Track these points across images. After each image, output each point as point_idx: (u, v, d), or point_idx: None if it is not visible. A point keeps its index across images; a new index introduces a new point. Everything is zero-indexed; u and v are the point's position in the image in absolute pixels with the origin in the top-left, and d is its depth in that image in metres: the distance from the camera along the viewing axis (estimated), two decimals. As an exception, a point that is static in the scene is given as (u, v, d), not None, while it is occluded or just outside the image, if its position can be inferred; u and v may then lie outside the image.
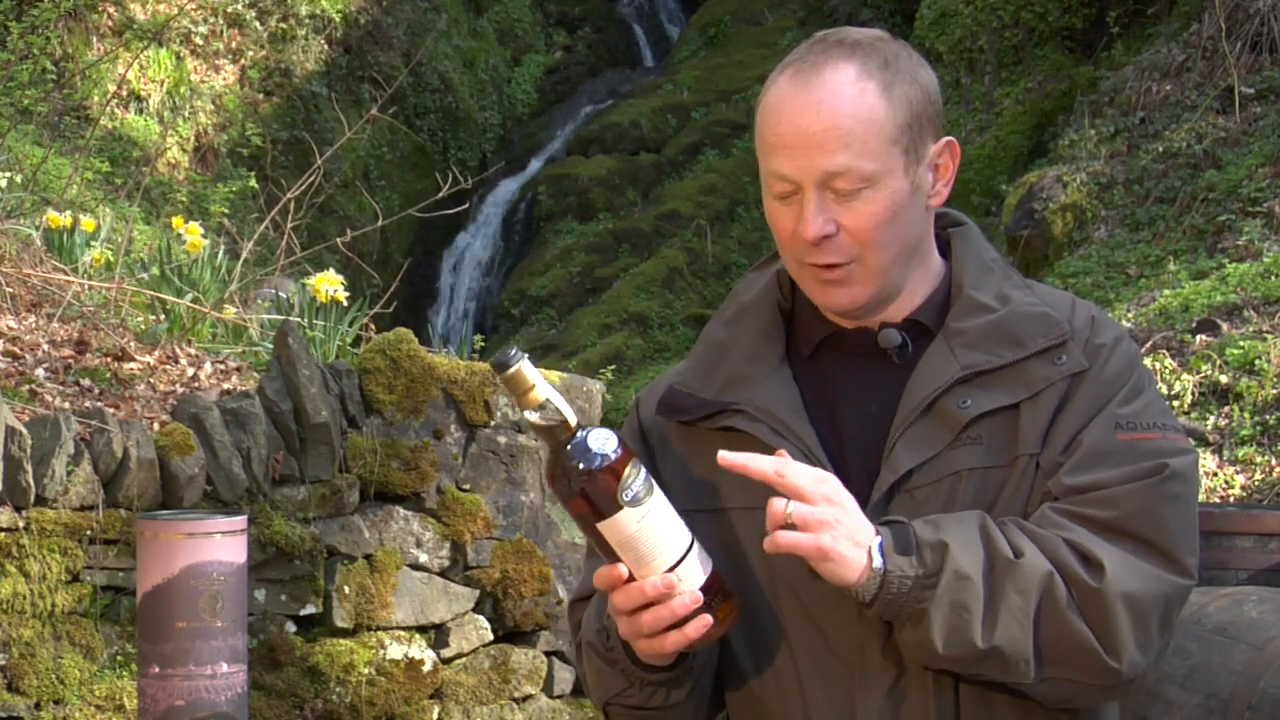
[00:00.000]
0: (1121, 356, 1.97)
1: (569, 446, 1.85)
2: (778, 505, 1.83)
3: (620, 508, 1.82)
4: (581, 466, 1.83)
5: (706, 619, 1.85)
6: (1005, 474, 1.93)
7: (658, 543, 1.84)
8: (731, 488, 1.99)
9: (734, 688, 2.05)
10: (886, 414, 1.97)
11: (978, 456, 1.93)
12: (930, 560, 1.86)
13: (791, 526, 1.83)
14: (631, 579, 1.85)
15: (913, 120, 1.94)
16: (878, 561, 1.85)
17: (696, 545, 1.86)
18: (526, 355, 1.86)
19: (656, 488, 1.85)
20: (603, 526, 1.84)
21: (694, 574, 1.85)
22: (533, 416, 1.87)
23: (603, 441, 1.84)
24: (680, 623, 1.85)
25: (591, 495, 1.83)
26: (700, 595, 1.85)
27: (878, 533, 1.87)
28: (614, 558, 1.85)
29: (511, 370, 1.84)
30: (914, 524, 1.88)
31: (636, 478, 1.84)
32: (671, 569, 1.84)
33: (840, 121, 1.91)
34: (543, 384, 1.85)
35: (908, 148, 1.94)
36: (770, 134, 1.95)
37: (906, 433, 1.94)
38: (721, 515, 1.98)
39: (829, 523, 1.83)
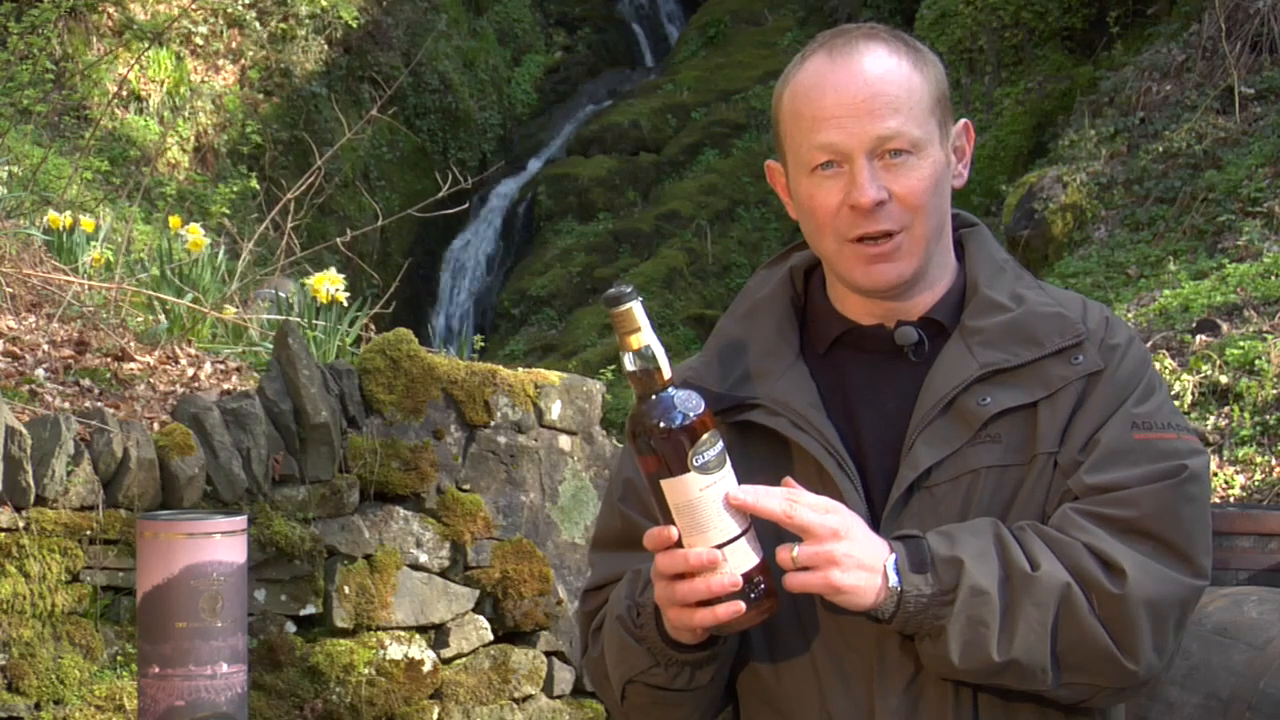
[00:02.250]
0: (1134, 357, 2.00)
1: (654, 399, 1.86)
2: (784, 554, 1.85)
3: (687, 470, 1.84)
4: (661, 424, 1.84)
5: (739, 605, 1.86)
6: (1023, 472, 1.95)
7: (714, 516, 1.85)
8: (746, 481, 2.00)
9: (748, 680, 2.06)
10: (904, 411, 1.98)
11: (996, 454, 1.95)
12: (945, 577, 1.87)
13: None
14: (679, 545, 1.86)
15: (941, 98, 1.99)
16: (893, 580, 1.87)
17: (752, 533, 1.87)
18: (641, 298, 1.86)
19: (729, 465, 1.86)
20: (666, 484, 1.85)
21: (741, 558, 1.86)
22: (630, 363, 1.87)
23: (688, 403, 1.85)
24: (713, 601, 1.86)
25: (662, 452, 1.84)
26: (740, 580, 1.85)
27: (891, 549, 1.88)
28: (668, 519, 1.87)
29: (624, 307, 1.85)
30: (928, 538, 1.89)
31: (712, 447, 1.85)
32: (720, 546, 1.85)
33: (887, 88, 1.94)
34: (648, 329, 1.86)
35: (941, 121, 1.99)
36: (813, 109, 1.96)
37: (926, 430, 1.95)
38: None
39: (835, 559, 1.85)
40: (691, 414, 1.85)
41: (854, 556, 1.85)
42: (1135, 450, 1.93)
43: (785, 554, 1.85)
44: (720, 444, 1.86)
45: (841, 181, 1.95)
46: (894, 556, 1.88)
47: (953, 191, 2.04)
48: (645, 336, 1.85)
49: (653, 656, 1.99)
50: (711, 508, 1.85)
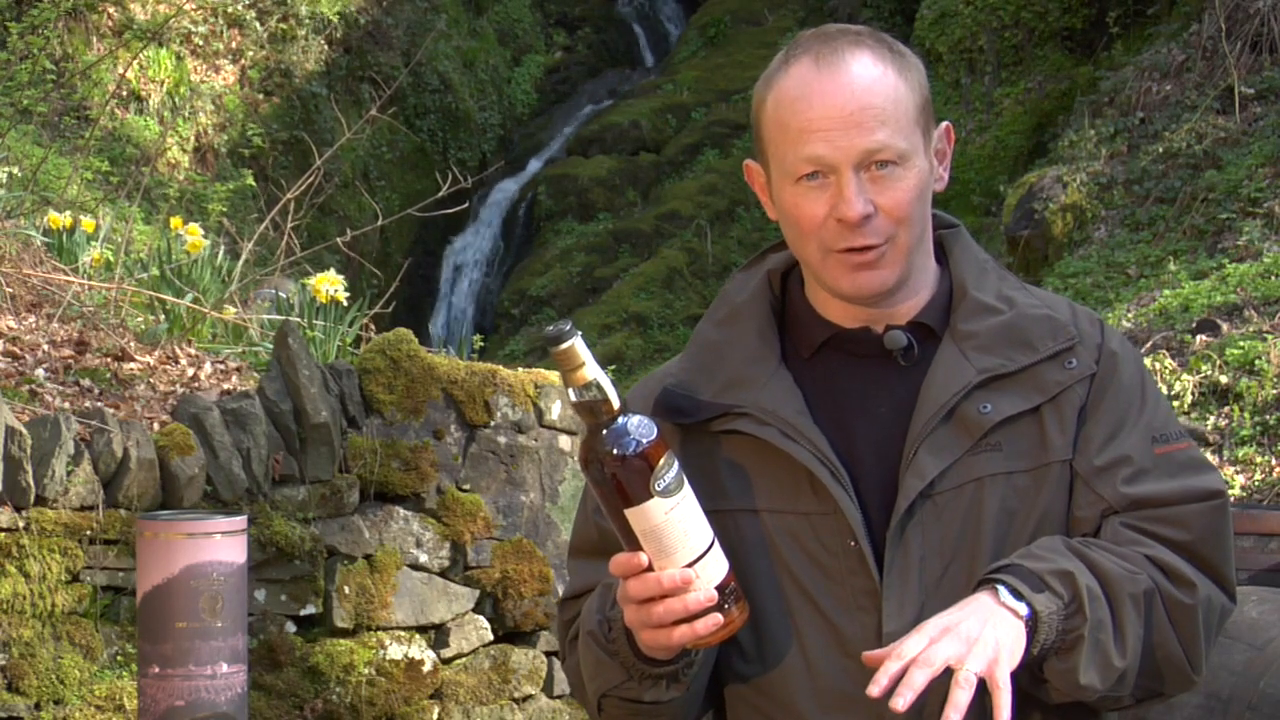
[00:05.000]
0: (1132, 361, 2.01)
1: (607, 430, 1.83)
2: (963, 694, 1.78)
3: (650, 496, 1.82)
4: (615, 451, 1.82)
5: (717, 618, 1.85)
6: (1028, 479, 1.94)
7: (681, 537, 1.83)
8: (734, 489, 1.99)
9: (743, 693, 2.04)
10: (897, 416, 1.97)
11: (998, 462, 1.94)
12: (1063, 589, 1.86)
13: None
14: (649, 569, 1.85)
15: (924, 103, 1.97)
16: (1024, 611, 1.85)
17: (716, 545, 1.86)
18: (580, 333, 1.84)
19: (687, 483, 1.85)
20: (630, 513, 1.83)
21: (712, 572, 1.85)
22: (576, 396, 1.85)
23: (641, 428, 1.83)
24: (690, 618, 1.85)
25: (623, 480, 1.82)
26: (715, 594, 1.85)
27: (992, 588, 1.86)
28: (635, 546, 1.85)
29: (564, 346, 1.83)
30: (1021, 562, 1.88)
31: (670, 469, 1.83)
32: (691, 564, 1.84)
33: (874, 100, 1.92)
34: (592, 363, 1.84)
35: (925, 129, 1.97)
36: (799, 120, 1.93)
37: (929, 438, 1.94)
38: (724, 517, 1.97)
39: (988, 647, 1.81)
40: (645, 440, 1.83)
41: (984, 628, 1.82)
42: (1160, 464, 1.96)
43: (965, 693, 1.78)
44: (677, 464, 1.84)
45: (827, 193, 1.93)
46: (1003, 589, 1.85)
47: (934, 195, 2.03)
48: (590, 371, 1.83)
49: (626, 671, 1.97)
50: (678, 529, 1.83)
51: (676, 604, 1.84)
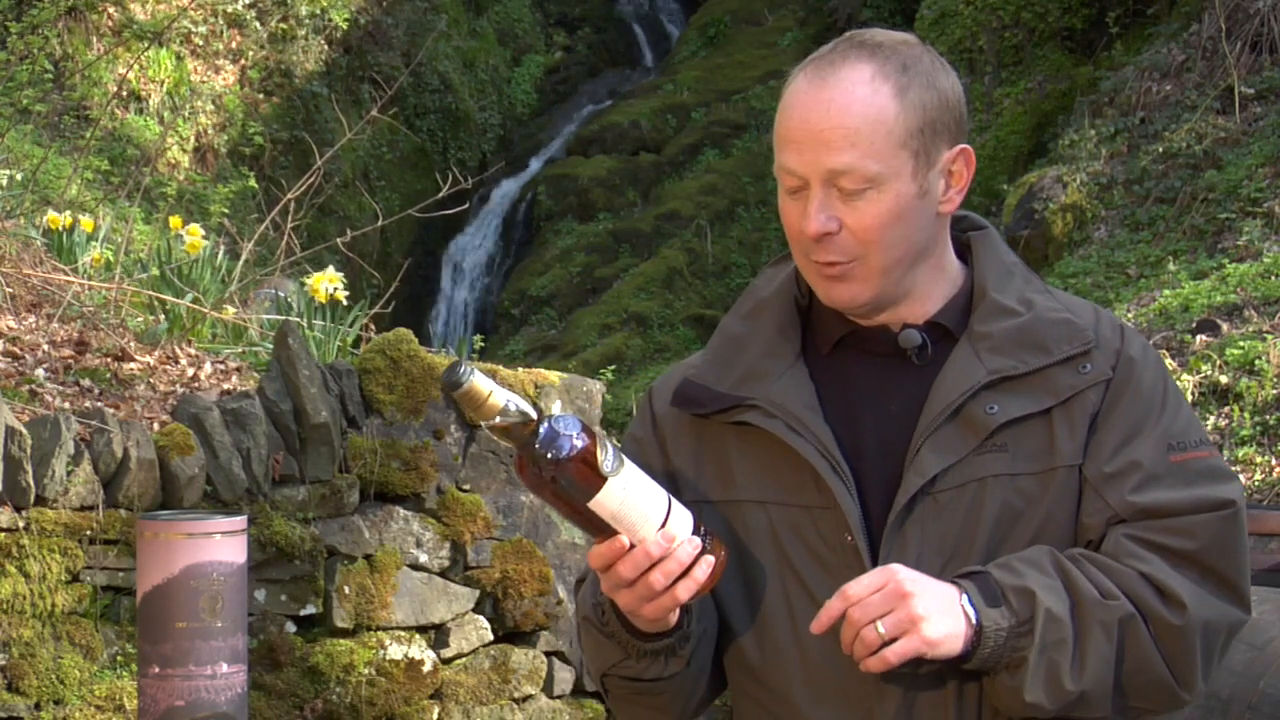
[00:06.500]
0: (1153, 367, 1.99)
1: (537, 442, 1.84)
2: (870, 634, 1.84)
3: (605, 480, 1.84)
4: (551, 455, 1.83)
5: (709, 559, 1.89)
6: (1034, 482, 1.94)
7: (645, 505, 1.87)
8: (744, 481, 2.01)
9: (742, 682, 2.06)
10: (907, 415, 1.97)
11: (1003, 463, 1.94)
12: (1020, 608, 1.87)
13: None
14: (632, 547, 1.87)
15: (925, 125, 1.94)
16: (973, 618, 1.87)
17: (672, 498, 1.90)
18: (474, 368, 1.84)
19: (624, 454, 1.88)
20: (594, 505, 1.85)
21: (683, 524, 1.89)
22: (492, 425, 1.85)
23: (568, 425, 1.85)
24: (685, 572, 1.88)
25: (575, 477, 1.84)
26: (698, 540, 1.88)
27: (961, 589, 1.88)
28: (609, 532, 1.87)
29: (464, 387, 1.82)
30: (992, 571, 1.89)
31: (607, 449, 1.86)
32: (662, 526, 1.87)
33: (848, 120, 1.91)
34: (498, 389, 1.84)
35: (917, 152, 1.94)
36: (783, 128, 1.96)
37: (933, 436, 1.94)
38: (733, 507, 2.00)
39: (917, 617, 1.84)
40: (576, 433, 1.84)
41: (933, 608, 1.85)
42: (1175, 472, 1.94)
43: (872, 633, 1.84)
44: (609, 443, 1.87)
45: (803, 204, 1.95)
46: (965, 595, 1.88)
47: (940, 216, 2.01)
48: (499, 397, 1.83)
49: (623, 650, 2.00)
50: (639, 501, 1.86)
51: (671, 564, 1.87)
